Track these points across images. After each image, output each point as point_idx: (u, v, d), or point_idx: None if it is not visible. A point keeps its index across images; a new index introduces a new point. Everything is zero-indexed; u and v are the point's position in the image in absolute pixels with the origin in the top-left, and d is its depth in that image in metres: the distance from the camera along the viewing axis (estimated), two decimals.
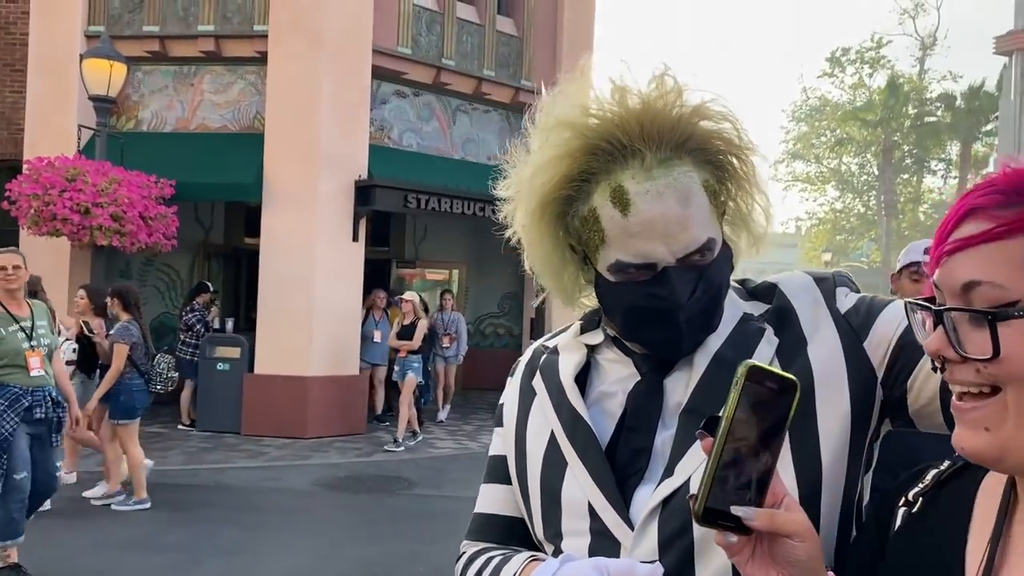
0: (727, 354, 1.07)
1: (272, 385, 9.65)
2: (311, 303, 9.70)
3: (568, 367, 1.16)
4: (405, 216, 13.06)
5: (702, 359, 1.08)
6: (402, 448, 9.16)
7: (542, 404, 1.17)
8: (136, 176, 8.76)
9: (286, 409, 9.60)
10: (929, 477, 0.93)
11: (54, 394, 4.79)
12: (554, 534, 1.10)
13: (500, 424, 1.25)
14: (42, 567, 4.83)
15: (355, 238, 10.26)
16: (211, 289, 10.88)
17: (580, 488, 1.07)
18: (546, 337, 1.29)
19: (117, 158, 9.09)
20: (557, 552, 1.07)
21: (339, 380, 9.85)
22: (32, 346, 4.66)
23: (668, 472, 1.03)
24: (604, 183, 1.04)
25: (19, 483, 4.59)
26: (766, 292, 1.15)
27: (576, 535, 1.06)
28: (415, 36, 10.98)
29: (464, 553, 1.23)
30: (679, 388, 1.09)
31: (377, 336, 10.52)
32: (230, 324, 10.88)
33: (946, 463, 0.93)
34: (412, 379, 9.23)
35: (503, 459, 1.22)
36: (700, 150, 1.06)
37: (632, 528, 1.02)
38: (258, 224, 10.25)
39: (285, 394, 9.64)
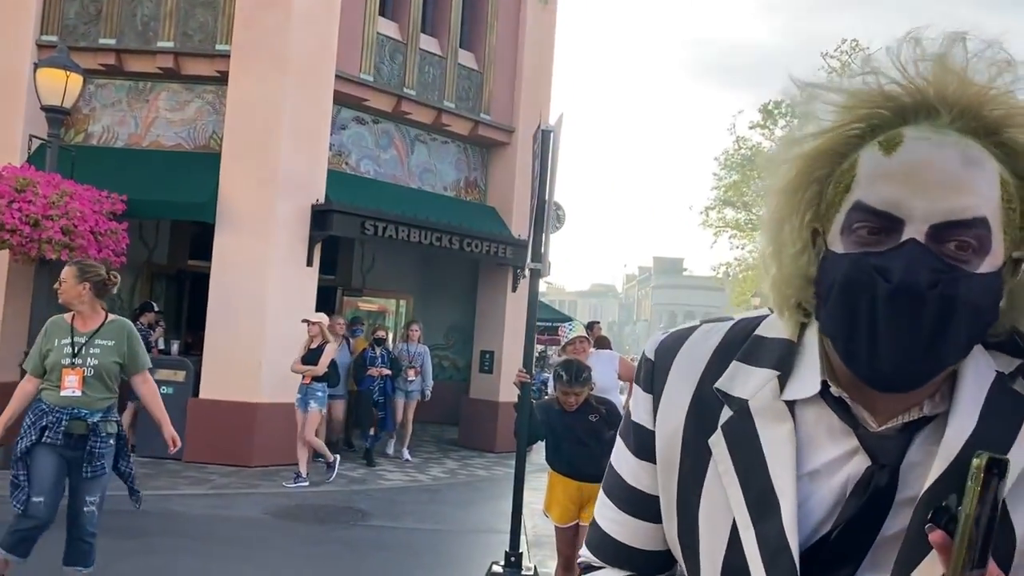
0: (989, 435, 0.83)
1: (218, 410, 9.37)
2: (263, 328, 9.49)
3: (778, 449, 0.90)
4: (354, 243, 12.95)
5: (955, 438, 0.84)
6: (306, 483, 8.57)
7: (727, 482, 0.92)
8: (87, 190, 8.49)
9: (232, 436, 9.32)
10: None
11: (92, 418, 4.25)
12: None
13: (645, 456, 1.03)
14: None
15: (309, 263, 10.12)
16: (156, 309, 10.56)
17: None
18: (699, 347, 1.00)
19: (67, 171, 8.79)
20: None
21: (289, 407, 9.63)
22: (73, 363, 4.22)
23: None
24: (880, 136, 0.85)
25: (34, 506, 4.15)
26: (1011, 342, 0.89)
27: None
28: (377, 64, 10.99)
29: (595, 571, 1.13)
30: (917, 474, 0.85)
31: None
32: (175, 346, 10.56)
33: None
34: (316, 413, 8.70)
35: (648, 497, 1.04)
36: (1012, 149, 0.84)
37: None
38: (204, 246, 10.03)
39: (232, 420, 9.37)
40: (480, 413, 12.28)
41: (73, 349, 4.26)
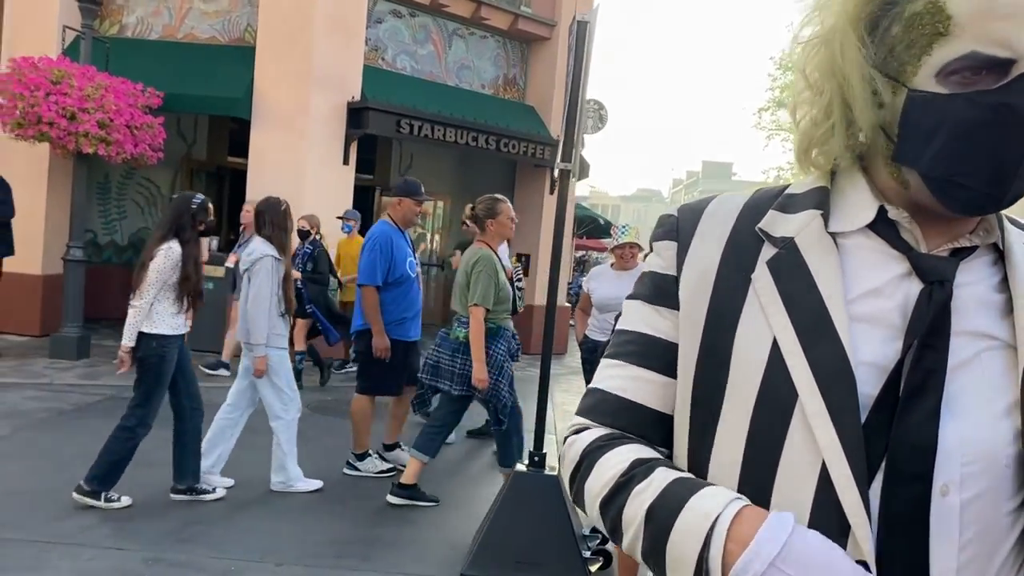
0: None
1: None
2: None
3: (829, 275, 0.93)
4: (391, 143, 12.80)
5: (1011, 271, 0.94)
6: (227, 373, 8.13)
7: (771, 312, 0.93)
8: (123, 83, 8.42)
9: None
10: None
11: None
12: (756, 488, 0.91)
13: (663, 302, 1.03)
14: None
15: (346, 161, 10.03)
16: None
17: (811, 445, 0.87)
18: (727, 203, 1.04)
19: (102, 63, 8.71)
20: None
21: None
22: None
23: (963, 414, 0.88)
24: None
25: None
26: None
27: (788, 501, 0.88)
28: None
29: (586, 431, 1.05)
30: (969, 293, 0.93)
31: None
32: (215, 242, 10.66)
33: None
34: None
35: (668, 345, 1.01)
36: None
37: (870, 515, 0.84)
38: (242, 142, 9.96)
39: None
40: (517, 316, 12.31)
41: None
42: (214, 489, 4.95)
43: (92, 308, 9.57)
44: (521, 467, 4.47)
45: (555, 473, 4.46)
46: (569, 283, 16.16)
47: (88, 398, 7.18)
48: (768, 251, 0.97)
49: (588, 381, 5.41)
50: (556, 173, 4.47)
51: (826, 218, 0.97)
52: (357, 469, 5.70)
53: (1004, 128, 0.84)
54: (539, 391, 4.59)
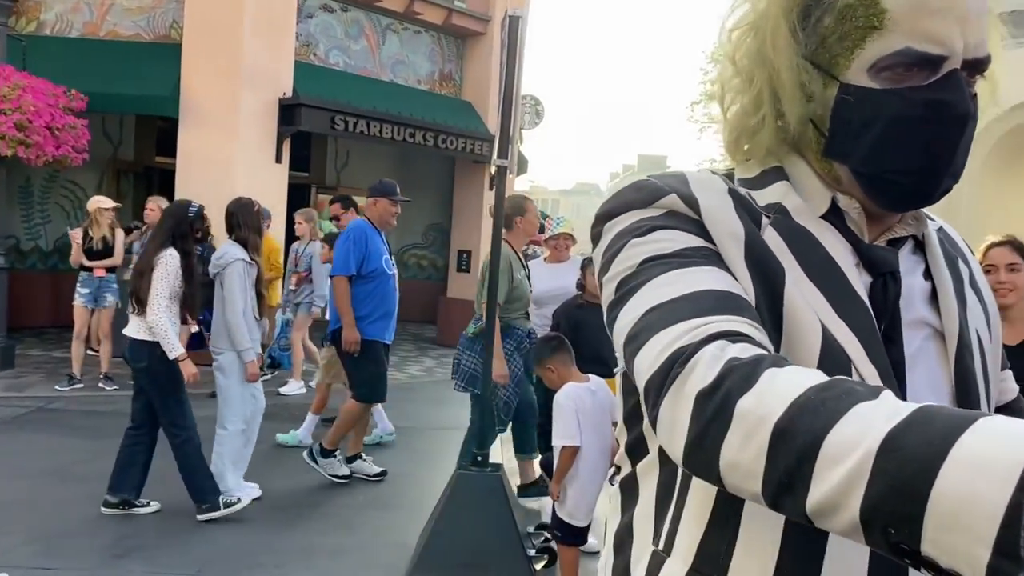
0: (946, 255, 0.99)
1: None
2: None
3: (837, 247, 0.91)
4: (326, 140, 12.60)
5: (938, 251, 0.98)
6: (80, 385, 7.73)
7: (799, 284, 0.87)
8: (42, 83, 8.09)
9: None
10: None
11: None
12: None
13: (690, 229, 0.88)
14: None
15: (279, 159, 9.83)
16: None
17: None
18: (707, 175, 0.96)
19: (19, 63, 8.37)
20: None
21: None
22: None
23: None
24: None
25: None
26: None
27: None
28: None
29: (738, 341, 0.74)
30: (913, 294, 0.94)
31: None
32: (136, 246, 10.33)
33: None
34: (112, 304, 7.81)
35: (711, 250, 0.88)
36: None
37: None
38: (171, 142, 9.68)
39: None
40: (458, 312, 12.23)
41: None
42: (148, 503, 4.79)
43: (16, 317, 9.20)
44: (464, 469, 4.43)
45: (499, 472, 4.43)
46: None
47: (14, 411, 6.90)
48: (763, 219, 0.92)
49: (529, 383, 5.39)
50: (494, 169, 4.43)
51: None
52: (315, 462, 5.51)
53: (936, 124, 0.83)
54: (482, 388, 4.56)
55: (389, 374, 5.79)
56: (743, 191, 0.94)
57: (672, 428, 0.72)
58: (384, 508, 5.20)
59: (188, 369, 4.53)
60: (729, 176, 0.98)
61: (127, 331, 4.63)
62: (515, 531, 4.12)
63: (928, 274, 0.96)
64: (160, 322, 4.43)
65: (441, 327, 12.68)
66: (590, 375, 3.96)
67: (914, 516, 0.56)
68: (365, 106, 10.17)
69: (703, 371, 0.70)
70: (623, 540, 1.02)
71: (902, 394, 0.86)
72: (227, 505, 4.72)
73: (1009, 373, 1.07)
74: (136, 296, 4.51)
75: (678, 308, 0.78)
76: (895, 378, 0.86)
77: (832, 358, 0.83)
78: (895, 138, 0.85)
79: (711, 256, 0.86)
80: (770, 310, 0.85)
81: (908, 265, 0.95)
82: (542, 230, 7.20)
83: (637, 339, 0.80)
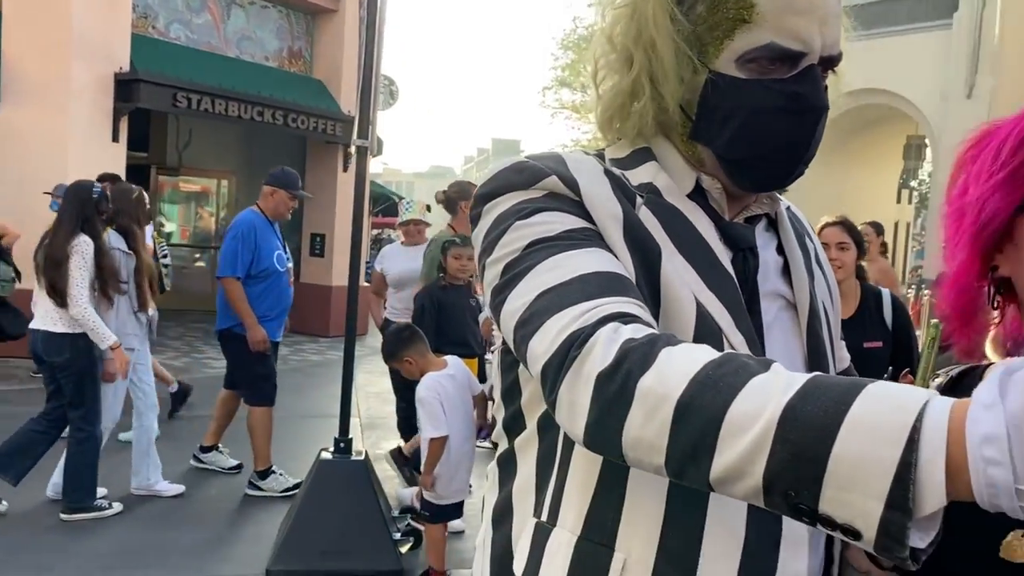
0: (796, 233, 1.06)
1: (22, 302, 8.55)
2: None
3: (703, 224, 0.96)
4: (167, 117, 11.94)
5: (790, 229, 1.05)
6: None
7: (673, 260, 0.92)
8: None
9: None
10: (933, 390, 0.98)
11: None
12: None
13: (571, 211, 0.90)
14: None
15: (115, 138, 9.25)
16: None
17: None
18: (581, 155, 0.98)
19: None
20: None
21: None
22: None
23: None
24: None
25: None
26: None
27: None
28: None
29: (630, 322, 0.76)
30: (767, 267, 1.01)
31: None
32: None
33: (941, 376, 1.00)
34: None
35: (594, 232, 0.90)
36: None
37: None
38: None
39: None
40: (312, 297, 11.93)
41: None
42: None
43: None
44: (327, 455, 4.34)
45: (361, 458, 4.37)
46: (368, 262, 15.93)
47: None
48: (637, 199, 0.95)
49: None
50: (353, 150, 4.34)
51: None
52: (260, 488, 5.13)
53: (794, 115, 0.90)
54: (343, 374, 4.47)
55: None
56: (617, 171, 0.97)
57: (572, 409, 0.75)
58: (241, 500, 5.02)
59: (121, 357, 4.35)
60: (601, 156, 1.01)
61: (37, 324, 4.33)
62: (380, 515, 4.09)
63: (780, 249, 1.03)
64: (87, 313, 4.21)
65: (294, 313, 12.29)
66: (445, 357, 3.96)
67: (815, 478, 0.61)
68: (209, 83, 9.71)
69: (601, 353, 0.73)
70: (503, 514, 1.04)
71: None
72: (99, 509, 4.52)
73: (842, 343, 1.17)
74: (53, 287, 4.21)
75: (568, 292, 0.81)
76: (758, 348, 0.92)
77: (705, 329, 0.88)
78: (757, 126, 0.91)
79: (594, 237, 0.88)
80: (649, 286, 0.89)
81: (763, 241, 1.01)
82: (396, 213, 7.14)
83: (529, 323, 0.81)
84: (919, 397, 0.60)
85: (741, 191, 0.98)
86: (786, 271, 1.02)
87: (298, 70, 11.87)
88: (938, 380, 1.02)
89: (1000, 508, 0.57)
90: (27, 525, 4.37)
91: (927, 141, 16.29)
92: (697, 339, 0.85)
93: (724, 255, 0.94)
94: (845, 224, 3.58)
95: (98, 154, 8.95)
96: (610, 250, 0.88)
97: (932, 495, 0.57)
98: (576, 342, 0.75)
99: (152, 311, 5.00)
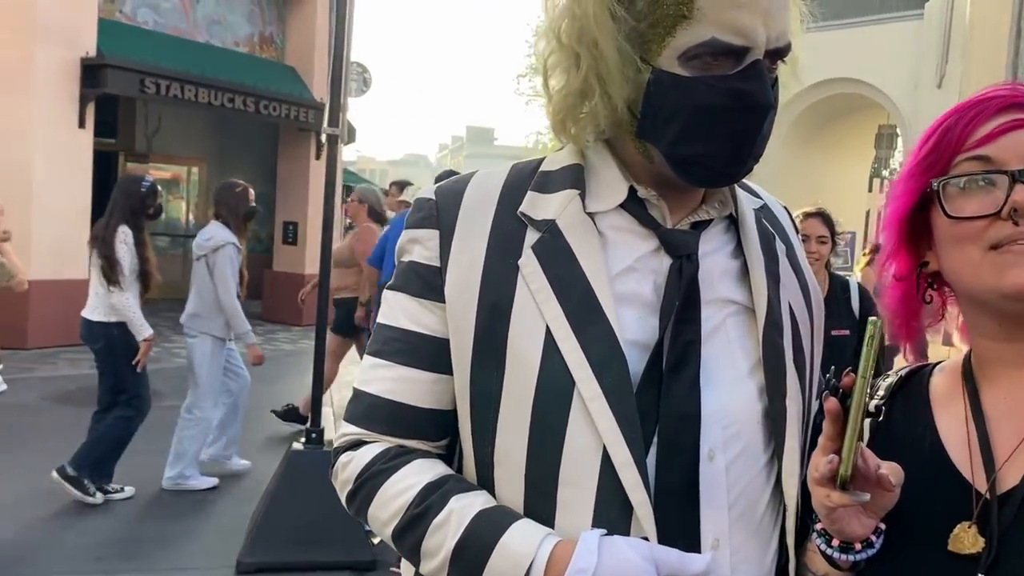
0: (765, 239, 1.03)
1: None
2: (30, 197, 8.49)
3: (592, 256, 0.93)
4: (135, 103, 11.76)
5: (751, 234, 1.01)
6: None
7: (541, 299, 0.92)
8: None
9: (3, 317, 8.44)
10: (882, 390, 1.00)
11: None
12: (542, 476, 0.90)
13: (429, 295, 0.97)
14: None
15: (82, 124, 9.11)
16: None
17: (591, 429, 0.88)
18: (486, 184, 1.00)
19: None
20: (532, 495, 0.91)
21: (66, 285, 8.81)
22: None
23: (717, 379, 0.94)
24: None
25: None
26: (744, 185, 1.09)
27: (575, 486, 0.89)
28: None
29: (362, 448, 0.99)
30: (712, 261, 0.98)
31: None
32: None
33: (891, 376, 1.01)
34: None
35: (435, 341, 0.96)
36: None
37: (649, 491, 0.87)
38: None
39: (2, 300, 8.45)
40: (285, 286, 11.82)
41: None
42: None
43: None
44: (299, 446, 4.31)
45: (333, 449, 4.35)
46: None
47: None
48: (532, 235, 0.95)
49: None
50: (324, 138, 4.30)
51: (583, 197, 0.96)
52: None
53: (739, 112, 0.88)
54: (315, 364, 4.44)
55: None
56: (531, 195, 0.97)
57: (339, 485, 1.03)
58: (215, 492, 4.98)
59: (145, 350, 4.53)
60: (537, 167, 1.01)
61: (84, 312, 4.56)
62: None
63: (740, 251, 1.01)
64: (127, 303, 4.42)
65: (266, 302, 12.24)
66: None
67: None
68: (178, 68, 9.59)
69: (349, 475, 1.00)
70: None
71: (695, 370, 0.91)
72: (85, 492, 4.54)
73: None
74: (103, 274, 4.43)
75: (375, 409, 1.00)
76: (695, 354, 0.92)
77: (549, 385, 0.90)
78: (701, 124, 0.89)
79: (423, 352, 0.98)
80: (491, 346, 0.93)
81: (717, 244, 0.99)
82: None
83: (355, 399, 1.03)
84: (531, 546, 0.86)
85: (693, 187, 0.96)
86: (746, 275, 0.99)
87: (270, 56, 11.73)
88: (888, 380, 1.02)
89: None
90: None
91: (898, 131, 16.44)
92: (537, 398, 0.90)
93: (610, 296, 0.91)
94: (823, 216, 3.67)
95: (64, 140, 8.82)
96: (438, 358, 0.97)
97: None
98: (341, 450, 1.03)
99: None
